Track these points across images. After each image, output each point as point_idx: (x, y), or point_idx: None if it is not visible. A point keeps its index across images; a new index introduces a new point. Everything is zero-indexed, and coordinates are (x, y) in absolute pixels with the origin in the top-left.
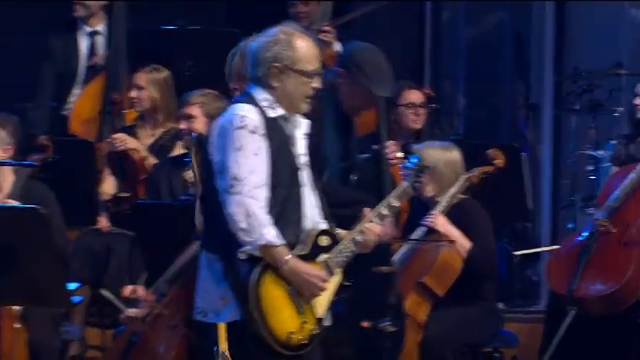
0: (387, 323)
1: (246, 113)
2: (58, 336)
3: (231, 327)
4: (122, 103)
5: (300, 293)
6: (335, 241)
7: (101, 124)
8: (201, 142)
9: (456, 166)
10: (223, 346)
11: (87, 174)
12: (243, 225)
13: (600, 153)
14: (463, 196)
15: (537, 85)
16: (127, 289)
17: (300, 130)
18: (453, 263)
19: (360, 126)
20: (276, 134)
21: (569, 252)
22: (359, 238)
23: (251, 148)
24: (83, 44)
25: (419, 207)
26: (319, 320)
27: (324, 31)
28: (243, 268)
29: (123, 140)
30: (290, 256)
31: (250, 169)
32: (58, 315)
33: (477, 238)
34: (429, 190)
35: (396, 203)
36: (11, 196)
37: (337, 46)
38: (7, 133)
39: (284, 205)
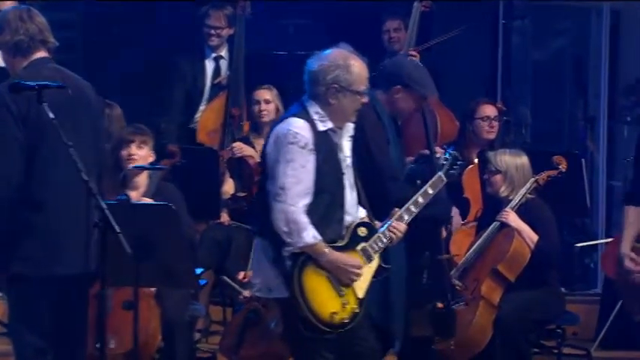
0: (461, 304)
1: (298, 130)
2: (187, 312)
3: (282, 303)
4: (240, 117)
5: (339, 279)
6: (372, 230)
7: (223, 134)
8: None
9: (525, 170)
10: None
11: (211, 177)
12: (285, 229)
13: None
14: (531, 196)
15: (594, 101)
16: (242, 274)
17: (347, 133)
18: (523, 253)
19: (442, 136)
20: (324, 145)
21: None
22: (387, 233)
23: (300, 162)
24: (209, 67)
25: (493, 205)
26: (360, 300)
27: (411, 55)
28: (288, 262)
29: (241, 148)
30: (327, 249)
31: (296, 180)
32: (188, 295)
33: (543, 231)
34: (502, 191)
35: (431, 191)
36: (146, 195)
37: None
38: (152, 143)
39: (328, 208)
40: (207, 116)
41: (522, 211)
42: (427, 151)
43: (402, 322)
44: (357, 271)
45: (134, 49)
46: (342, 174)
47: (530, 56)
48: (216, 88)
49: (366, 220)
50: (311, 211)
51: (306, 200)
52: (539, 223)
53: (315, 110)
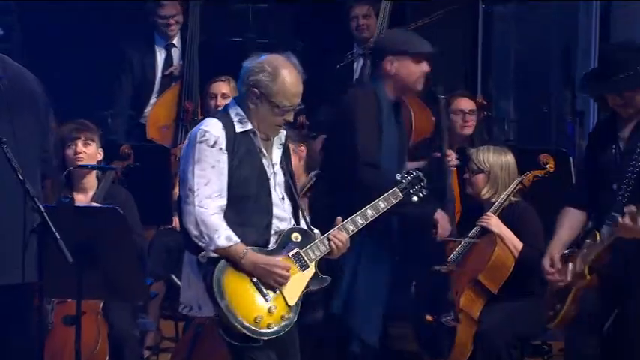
0: (450, 318)
1: (209, 129)
2: (136, 327)
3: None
4: (194, 111)
5: (264, 282)
6: (307, 237)
7: (176, 130)
8: None
9: (510, 170)
10: None
11: (163, 177)
12: (195, 232)
13: None
14: (516, 199)
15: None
16: None
17: (277, 141)
18: (506, 261)
19: (416, 132)
20: (242, 147)
21: None
22: (326, 242)
23: (209, 162)
24: (160, 56)
25: (473, 208)
26: (291, 307)
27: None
28: (206, 268)
29: None
30: (246, 250)
31: (205, 181)
32: (136, 308)
33: (528, 238)
34: (484, 193)
35: (382, 205)
36: (95, 199)
37: None
38: (99, 139)
39: (252, 213)
40: (157, 111)
41: (505, 216)
42: (439, 154)
43: (371, 326)
44: (283, 272)
45: (77, 38)
46: (267, 179)
47: (513, 45)
48: (167, 79)
49: (301, 227)
50: (233, 216)
51: (219, 203)
52: (523, 229)
53: (236, 112)
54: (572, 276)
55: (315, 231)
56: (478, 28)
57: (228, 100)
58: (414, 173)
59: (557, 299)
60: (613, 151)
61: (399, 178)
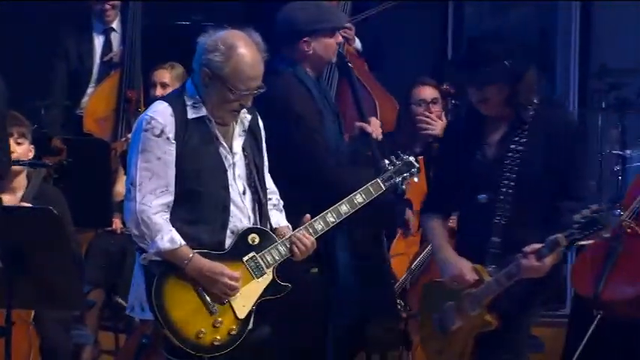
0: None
1: (155, 115)
2: (70, 339)
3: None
4: (137, 101)
5: (210, 292)
6: (267, 239)
7: (116, 122)
8: None
9: None
10: None
11: (101, 174)
12: (136, 232)
13: (629, 152)
14: None
15: (563, 82)
16: None
17: (239, 127)
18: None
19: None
20: (196, 135)
21: (594, 255)
22: (288, 244)
23: (155, 153)
24: (98, 41)
25: None
26: (240, 320)
27: (344, 28)
28: (147, 272)
29: None
30: (192, 254)
31: (150, 175)
32: (71, 318)
33: None
34: None
35: (360, 198)
36: (25, 199)
37: (357, 44)
38: (30, 134)
39: (205, 209)
40: (95, 101)
41: None
42: (365, 125)
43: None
44: (231, 282)
45: (6, 21)
46: (224, 171)
47: (487, 29)
48: (106, 66)
49: (259, 227)
50: (184, 213)
51: (164, 199)
52: None
53: (190, 94)
54: (462, 318)
55: (282, 223)
56: (448, 10)
57: (168, 90)
58: (405, 158)
59: (447, 343)
60: (478, 157)
61: (386, 164)
